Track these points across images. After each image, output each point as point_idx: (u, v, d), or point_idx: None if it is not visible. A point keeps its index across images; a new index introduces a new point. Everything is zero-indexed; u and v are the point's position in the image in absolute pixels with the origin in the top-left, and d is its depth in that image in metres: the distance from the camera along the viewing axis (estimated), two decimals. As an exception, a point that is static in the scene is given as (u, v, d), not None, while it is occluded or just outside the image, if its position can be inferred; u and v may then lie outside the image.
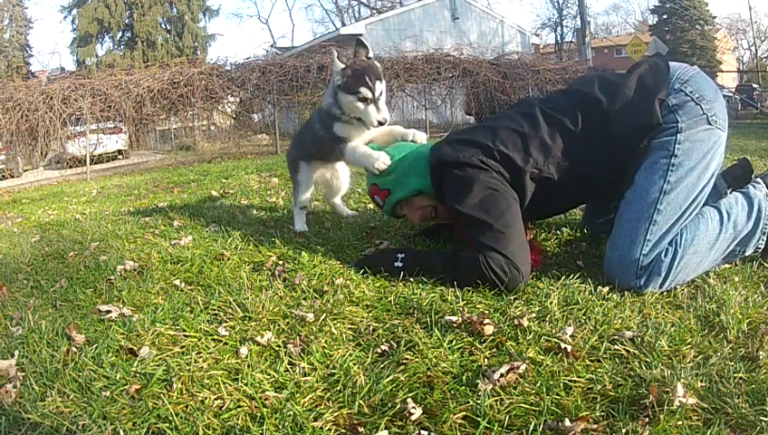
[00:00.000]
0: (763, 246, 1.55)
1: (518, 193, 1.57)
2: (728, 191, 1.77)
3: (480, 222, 1.50)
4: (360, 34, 15.47)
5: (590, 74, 1.78)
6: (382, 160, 1.80)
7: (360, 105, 1.81)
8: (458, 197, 1.56)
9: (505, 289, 1.45)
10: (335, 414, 0.97)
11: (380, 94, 1.82)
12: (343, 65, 1.83)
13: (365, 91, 1.78)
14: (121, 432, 0.94)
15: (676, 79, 1.52)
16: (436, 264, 1.59)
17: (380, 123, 1.81)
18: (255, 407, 1.00)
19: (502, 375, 1.03)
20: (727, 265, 1.55)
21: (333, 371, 1.11)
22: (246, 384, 1.07)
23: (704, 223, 1.47)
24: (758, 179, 1.62)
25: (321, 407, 0.99)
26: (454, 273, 1.53)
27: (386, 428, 0.92)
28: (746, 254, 1.55)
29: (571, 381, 1.02)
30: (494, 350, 1.16)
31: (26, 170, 10.65)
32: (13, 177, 9.84)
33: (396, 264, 1.63)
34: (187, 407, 1.02)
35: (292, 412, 0.96)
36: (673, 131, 1.47)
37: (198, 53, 25.88)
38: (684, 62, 1.64)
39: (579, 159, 1.55)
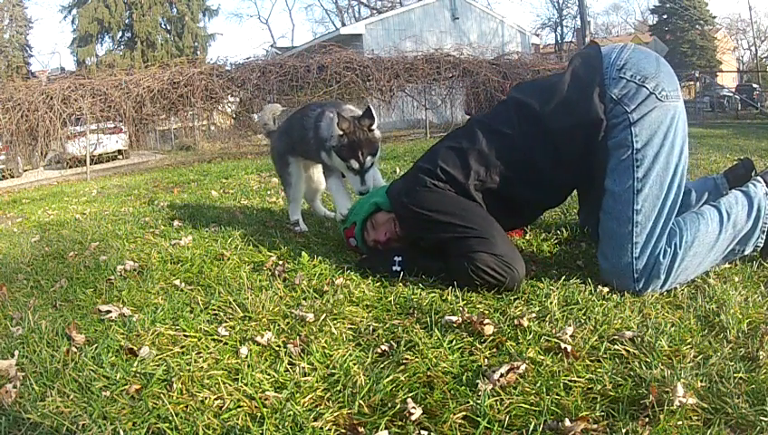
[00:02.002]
0: (762, 245, 1.55)
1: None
2: (729, 191, 1.76)
3: (461, 235, 1.50)
4: (360, 34, 15.48)
5: (527, 81, 1.78)
6: (340, 212, 2.01)
7: (348, 172, 1.98)
8: (428, 223, 1.55)
9: (505, 289, 1.45)
10: (335, 414, 0.97)
11: (370, 166, 1.96)
12: (341, 132, 1.91)
13: (354, 164, 1.94)
14: (121, 432, 0.94)
15: (612, 66, 1.46)
16: (433, 268, 1.59)
17: (361, 193, 1.97)
18: (255, 407, 1.00)
19: (502, 375, 1.03)
20: (727, 265, 1.55)
21: (333, 371, 1.11)
22: (246, 384, 1.07)
23: (704, 224, 1.45)
24: (758, 178, 1.61)
25: (321, 407, 0.99)
26: (450, 278, 1.53)
27: (386, 428, 0.92)
28: (746, 253, 1.54)
29: (571, 381, 1.02)
30: (494, 350, 1.16)
31: (26, 170, 10.65)
32: (13, 177, 9.84)
33: (394, 268, 1.62)
34: (187, 407, 1.02)
35: (292, 412, 0.96)
36: (625, 125, 1.42)
37: (198, 53, 25.87)
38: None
39: (521, 162, 1.54)
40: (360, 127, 1.90)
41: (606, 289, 1.42)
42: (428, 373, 1.07)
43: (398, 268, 1.62)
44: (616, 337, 1.17)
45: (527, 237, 1.93)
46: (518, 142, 1.53)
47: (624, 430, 0.87)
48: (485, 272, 1.43)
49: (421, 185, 1.60)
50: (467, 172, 1.56)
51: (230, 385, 1.07)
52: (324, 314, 1.36)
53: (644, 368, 1.04)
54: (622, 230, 1.43)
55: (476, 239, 1.47)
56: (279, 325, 1.33)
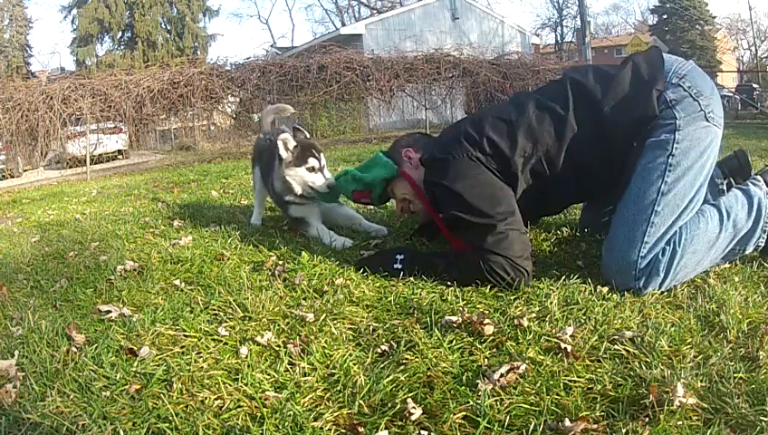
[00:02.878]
0: (763, 245, 1.54)
1: (510, 186, 1.55)
2: (723, 182, 1.76)
3: (479, 225, 1.48)
4: (360, 34, 15.48)
5: (584, 65, 1.80)
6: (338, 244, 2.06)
7: (311, 175, 2.08)
8: (453, 201, 1.53)
9: (510, 289, 1.45)
10: (335, 414, 0.97)
11: (323, 166, 2.11)
12: (295, 144, 2.08)
13: (314, 162, 2.07)
14: (121, 432, 0.94)
15: (674, 73, 1.49)
16: (436, 265, 1.59)
17: (328, 186, 2.08)
18: (255, 407, 1.00)
19: (502, 375, 1.03)
20: (727, 265, 1.55)
21: (333, 371, 1.11)
22: (246, 384, 1.07)
23: (703, 222, 1.45)
24: (758, 177, 1.61)
25: (321, 407, 0.99)
26: (456, 274, 1.53)
27: (386, 428, 0.92)
28: (746, 252, 1.54)
29: (571, 381, 1.02)
30: (494, 350, 1.16)
31: (26, 170, 10.65)
32: (13, 177, 9.84)
33: (395, 265, 1.62)
34: (187, 407, 1.02)
35: (292, 412, 0.96)
36: (671, 129, 1.45)
37: (198, 52, 25.87)
38: (650, 48, 1.62)
39: (568, 147, 1.51)
40: (298, 137, 2.14)
41: (606, 289, 1.42)
42: (428, 373, 1.07)
43: (399, 266, 1.61)
44: (616, 337, 1.17)
45: (527, 237, 1.92)
46: (570, 127, 1.51)
47: (624, 430, 0.87)
48: (497, 273, 1.45)
49: (462, 153, 1.55)
50: (514, 146, 1.52)
51: (230, 385, 1.07)
52: (324, 314, 1.36)
53: (644, 368, 1.04)
54: (636, 227, 1.44)
55: (494, 238, 1.46)
56: (279, 325, 1.33)
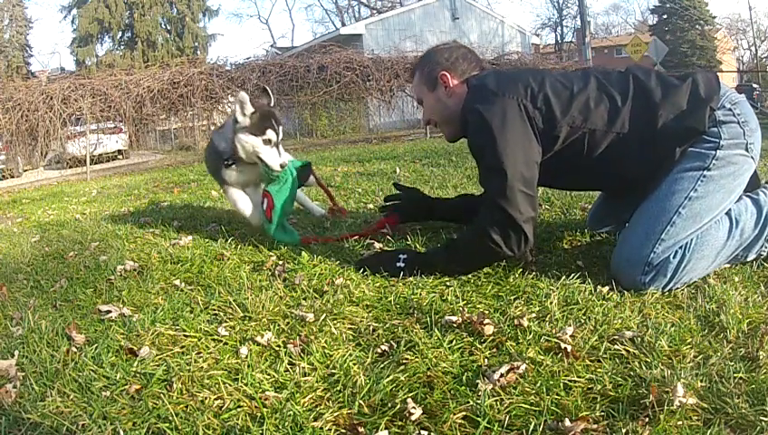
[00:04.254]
0: (765, 253, 1.56)
1: (543, 148, 1.53)
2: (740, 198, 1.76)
3: (493, 169, 1.48)
4: (360, 34, 15.49)
5: (646, 67, 1.79)
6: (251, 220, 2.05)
7: (264, 148, 1.88)
8: (483, 134, 1.51)
9: (513, 256, 1.51)
10: (335, 414, 0.97)
11: (281, 141, 1.93)
12: (253, 109, 1.90)
13: (271, 134, 1.88)
14: (121, 432, 0.94)
15: (727, 98, 1.50)
16: (437, 263, 1.59)
17: (282, 166, 1.90)
18: (255, 407, 1.00)
19: (502, 375, 1.03)
20: (727, 265, 1.55)
21: (333, 371, 1.11)
22: (246, 384, 1.07)
23: (714, 229, 1.47)
24: (767, 186, 1.63)
25: (321, 407, 0.99)
26: (457, 262, 1.54)
27: (386, 428, 0.92)
28: (748, 259, 1.55)
29: (571, 381, 1.02)
30: (494, 350, 1.16)
31: (26, 170, 10.66)
32: (13, 177, 9.85)
33: (398, 264, 1.62)
34: (187, 407, 1.02)
35: (292, 412, 0.96)
36: (713, 146, 1.46)
37: (198, 52, 25.88)
38: (704, 69, 1.63)
39: (614, 137, 1.51)
40: (262, 104, 1.95)
41: (606, 289, 1.42)
42: (428, 373, 1.07)
43: (402, 265, 1.62)
44: (616, 337, 1.17)
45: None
46: (621, 119, 1.50)
47: (624, 430, 0.87)
48: (496, 235, 1.47)
49: (514, 96, 1.52)
50: (566, 112, 1.51)
51: (230, 385, 1.07)
52: (324, 314, 1.36)
53: (644, 368, 1.04)
54: (658, 223, 1.45)
55: (502, 186, 1.46)
56: (279, 325, 1.33)
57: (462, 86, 1.68)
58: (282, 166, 1.91)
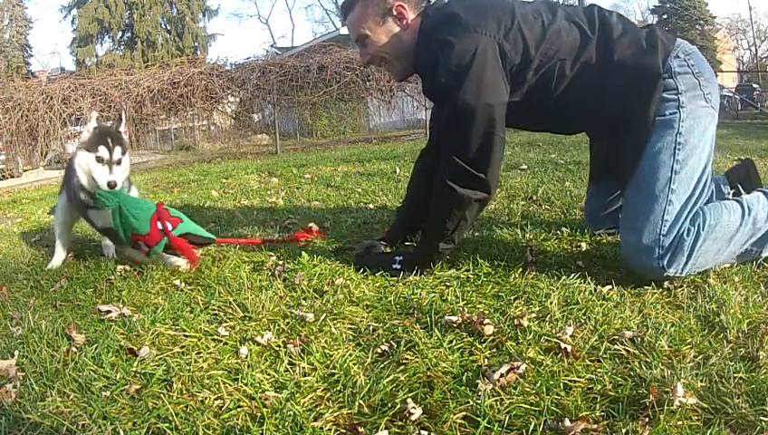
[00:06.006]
0: None
1: (515, 87, 1.51)
2: (731, 191, 1.76)
3: (463, 107, 1.44)
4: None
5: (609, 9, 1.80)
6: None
7: (96, 166, 1.80)
8: (460, 75, 1.45)
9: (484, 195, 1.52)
10: (335, 414, 0.97)
11: (119, 162, 1.82)
12: (95, 125, 1.83)
13: (103, 151, 1.79)
14: (121, 432, 0.94)
15: (681, 49, 1.52)
16: (427, 251, 1.60)
17: (110, 185, 1.77)
18: (255, 407, 1.00)
19: (502, 375, 1.03)
20: (727, 265, 1.55)
21: (333, 371, 1.11)
22: (246, 384, 1.07)
23: (726, 213, 1.47)
24: None
25: (321, 407, 0.99)
26: (442, 226, 1.55)
27: (386, 428, 0.92)
28: (762, 255, 1.54)
29: (571, 381, 1.02)
30: (494, 350, 1.16)
31: (26, 170, 10.65)
32: (13, 177, 9.85)
33: (394, 266, 1.62)
34: (187, 407, 1.02)
35: (292, 412, 0.96)
36: (675, 106, 1.48)
37: (198, 53, 25.89)
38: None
39: (581, 67, 1.50)
40: (111, 125, 1.91)
41: (606, 289, 1.42)
42: (428, 373, 1.07)
43: (398, 266, 1.61)
44: (616, 337, 1.17)
45: (527, 236, 1.93)
46: (591, 46, 1.50)
47: (624, 430, 0.87)
48: (462, 181, 1.49)
49: (488, 33, 1.47)
50: (540, 45, 1.49)
51: (230, 385, 1.07)
52: (324, 314, 1.36)
53: (644, 368, 1.04)
54: (656, 206, 1.46)
55: (471, 129, 1.45)
56: (279, 325, 1.33)
57: (417, 18, 1.61)
58: (110, 185, 1.77)
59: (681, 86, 1.48)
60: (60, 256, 2.11)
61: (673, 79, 1.49)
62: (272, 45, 27.98)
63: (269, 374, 1.11)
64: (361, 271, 1.66)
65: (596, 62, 1.50)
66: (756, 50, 31.92)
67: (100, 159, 1.79)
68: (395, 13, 1.60)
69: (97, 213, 1.89)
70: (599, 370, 1.05)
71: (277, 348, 1.21)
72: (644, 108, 1.50)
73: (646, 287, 1.43)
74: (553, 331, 1.20)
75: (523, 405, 0.96)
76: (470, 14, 1.50)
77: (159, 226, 1.77)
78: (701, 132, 1.48)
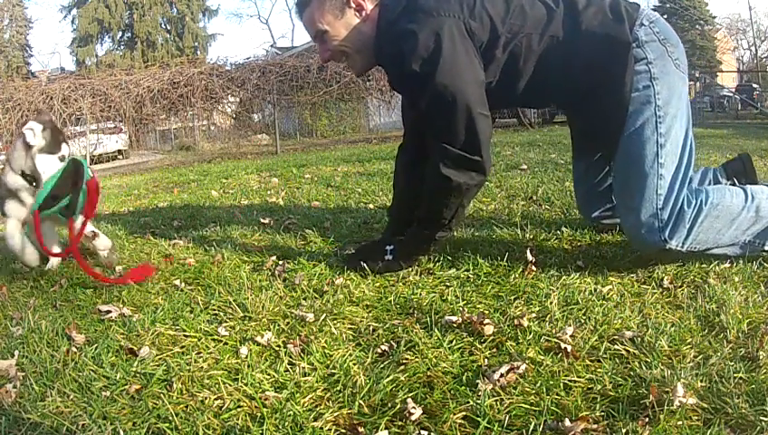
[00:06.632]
0: None
1: (485, 66, 1.49)
2: (727, 183, 1.77)
3: (451, 99, 1.42)
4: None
5: None
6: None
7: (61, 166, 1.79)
8: (429, 63, 1.41)
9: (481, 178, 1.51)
10: (335, 414, 0.97)
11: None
12: (42, 126, 1.77)
13: (65, 150, 1.79)
14: (121, 432, 0.94)
15: (645, 16, 1.51)
16: (419, 234, 1.60)
17: None
18: (255, 407, 1.00)
19: (502, 375, 1.03)
20: (727, 265, 1.55)
21: (333, 371, 1.11)
22: (246, 384, 1.07)
23: (729, 195, 1.48)
24: None
25: (321, 407, 0.99)
26: (436, 216, 1.54)
27: (386, 428, 0.92)
28: (765, 249, 1.55)
29: (571, 381, 1.02)
30: (494, 350, 1.16)
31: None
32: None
33: (386, 257, 1.62)
34: (187, 407, 1.02)
35: (292, 412, 0.96)
36: (647, 77, 1.47)
37: (198, 53, 25.89)
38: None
39: (549, 41, 1.48)
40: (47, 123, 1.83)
41: (606, 289, 1.42)
42: (428, 373, 1.07)
43: (390, 257, 1.61)
44: (616, 337, 1.17)
45: (527, 236, 1.93)
46: (557, 18, 1.49)
47: (624, 430, 0.87)
48: (454, 166, 1.47)
49: (451, 14, 1.44)
50: (505, 20, 1.47)
51: (230, 385, 1.07)
52: (324, 314, 1.36)
53: (644, 368, 1.04)
54: (649, 183, 1.46)
55: (456, 115, 1.43)
56: (279, 325, 1.33)
57: (375, 9, 1.56)
58: None
59: (650, 55, 1.47)
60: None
61: (641, 48, 1.48)
62: (272, 45, 27.97)
63: (269, 374, 1.11)
64: (361, 271, 1.66)
65: (564, 34, 1.49)
66: (756, 50, 31.92)
67: (62, 159, 1.79)
68: (353, 5, 1.55)
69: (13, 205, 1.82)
70: (599, 370, 1.05)
71: (277, 348, 1.21)
72: (619, 79, 1.48)
73: (646, 287, 1.43)
74: (553, 331, 1.20)
75: (523, 405, 0.96)
76: (428, 1, 1.47)
77: None
78: (677, 100, 1.48)
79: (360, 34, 1.57)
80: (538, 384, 1.01)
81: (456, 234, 2.02)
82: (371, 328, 1.29)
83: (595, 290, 1.42)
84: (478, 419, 0.92)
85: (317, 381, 1.08)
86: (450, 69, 1.42)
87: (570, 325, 1.22)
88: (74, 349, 1.26)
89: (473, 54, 1.46)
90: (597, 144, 1.69)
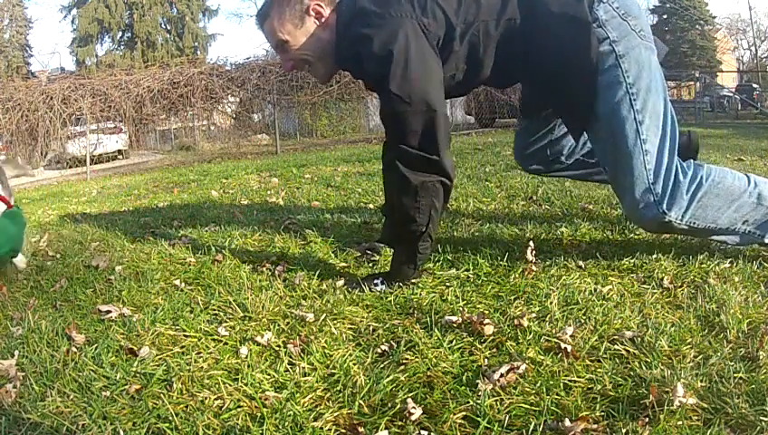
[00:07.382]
0: None
1: (444, 61, 1.48)
2: None
3: (399, 100, 1.41)
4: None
5: None
6: None
7: None
8: (384, 66, 1.41)
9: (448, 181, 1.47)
10: (335, 414, 0.97)
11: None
12: None
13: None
14: (121, 432, 0.94)
15: None
16: (406, 256, 1.55)
17: None
18: (255, 407, 1.00)
19: (502, 375, 1.03)
20: (727, 265, 1.55)
21: (333, 371, 1.11)
22: (246, 384, 1.07)
23: (731, 176, 1.49)
24: None
25: (321, 407, 0.99)
26: (406, 225, 1.49)
27: (386, 428, 0.92)
28: (765, 240, 1.54)
29: (571, 381, 1.02)
30: (494, 350, 1.16)
31: (26, 170, 10.62)
32: (12, 177, 9.80)
33: (378, 288, 1.54)
34: (187, 407, 1.02)
35: (292, 412, 0.96)
36: (613, 57, 1.46)
37: (198, 53, 25.89)
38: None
39: (507, 28, 1.47)
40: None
41: (606, 289, 1.42)
42: (428, 373, 1.07)
43: (382, 287, 1.54)
44: (616, 337, 1.17)
45: (527, 236, 1.93)
46: (513, 5, 1.47)
47: (624, 430, 0.87)
48: (409, 166, 1.44)
49: (403, 14, 1.44)
50: (458, 11, 1.46)
51: (230, 385, 1.07)
52: (324, 314, 1.36)
53: (644, 368, 1.04)
54: (635, 161, 1.46)
55: (414, 119, 1.42)
56: (279, 325, 1.33)
57: (333, 15, 1.55)
58: None
59: (612, 34, 1.45)
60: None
61: (602, 28, 1.46)
62: (272, 45, 27.91)
63: (269, 374, 1.11)
64: (360, 270, 1.66)
65: (521, 18, 1.47)
66: (756, 50, 31.91)
67: None
68: (312, 13, 1.55)
69: None
70: (599, 370, 1.05)
71: (277, 348, 1.21)
72: (584, 59, 1.46)
73: (646, 287, 1.43)
74: (553, 331, 1.20)
75: (523, 405, 0.96)
76: (379, 3, 1.46)
77: None
78: (648, 71, 1.47)
79: (320, 41, 1.56)
80: (538, 384, 1.01)
81: (455, 234, 2.02)
82: (371, 328, 1.29)
83: (595, 290, 1.42)
84: (478, 419, 0.92)
85: (317, 381, 1.08)
86: (406, 70, 1.41)
87: (570, 325, 1.22)
88: (74, 349, 1.26)
89: (429, 53, 1.45)
90: (566, 120, 1.65)
